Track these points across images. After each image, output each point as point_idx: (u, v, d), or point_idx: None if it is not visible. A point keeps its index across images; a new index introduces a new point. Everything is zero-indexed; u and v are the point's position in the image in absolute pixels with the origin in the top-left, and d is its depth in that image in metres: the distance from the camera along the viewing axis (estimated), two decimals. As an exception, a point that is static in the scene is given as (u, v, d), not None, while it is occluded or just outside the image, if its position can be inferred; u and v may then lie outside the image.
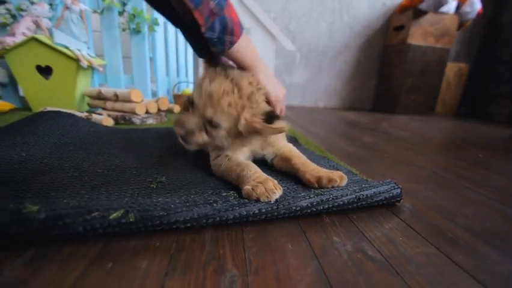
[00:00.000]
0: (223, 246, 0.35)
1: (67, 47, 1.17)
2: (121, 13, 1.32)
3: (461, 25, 2.19)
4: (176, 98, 1.38)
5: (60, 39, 1.15)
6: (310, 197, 0.44)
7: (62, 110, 0.86)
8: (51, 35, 1.18)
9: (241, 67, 0.47)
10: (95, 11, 1.31)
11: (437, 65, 2.20)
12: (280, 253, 0.34)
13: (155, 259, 0.32)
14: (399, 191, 0.49)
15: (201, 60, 1.89)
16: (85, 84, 1.29)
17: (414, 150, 0.98)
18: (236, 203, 0.40)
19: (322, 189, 0.47)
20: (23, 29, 1.17)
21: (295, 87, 2.41)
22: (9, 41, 1.13)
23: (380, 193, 0.48)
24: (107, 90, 1.17)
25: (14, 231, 0.31)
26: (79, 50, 1.18)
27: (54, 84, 1.20)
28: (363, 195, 0.47)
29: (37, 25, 1.21)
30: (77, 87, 1.22)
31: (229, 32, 0.39)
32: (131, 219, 0.34)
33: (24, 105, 1.29)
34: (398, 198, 0.49)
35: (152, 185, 0.47)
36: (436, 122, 1.93)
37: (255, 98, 0.47)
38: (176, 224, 0.36)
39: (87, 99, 1.28)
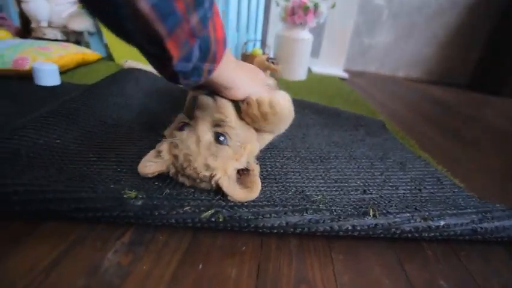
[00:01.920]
0: (311, 264, 0.32)
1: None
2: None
3: None
4: (245, 58, 1.31)
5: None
6: (415, 221, 0.36)
7: (141, 67, 0.88)
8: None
9: (215, 89, 0.37)
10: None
11: None
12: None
13: (244, 267, 0.30)
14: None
15: (274, 16, 1.71)
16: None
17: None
18: (328, 214, 0.35)
19: (430, 212, 0.38)
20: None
21: (373, 51, 2.08)
22: (96, -11, 1.16)
23: (504, 228, 0.38)
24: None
25: (116, 214, 0.32)
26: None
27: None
28: (481, 227, 0.37)
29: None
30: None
31: (210, 58, 0.28)
32: (220, 219, 0.33)
33: (108, 53, 1.39)
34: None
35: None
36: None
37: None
38: (263, 228, 0.34)
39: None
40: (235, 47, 1.48)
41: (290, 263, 0.32)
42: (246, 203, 0.35)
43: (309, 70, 1.69)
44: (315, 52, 1.72)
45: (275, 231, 0.34)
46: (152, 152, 0.39)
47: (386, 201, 0.42)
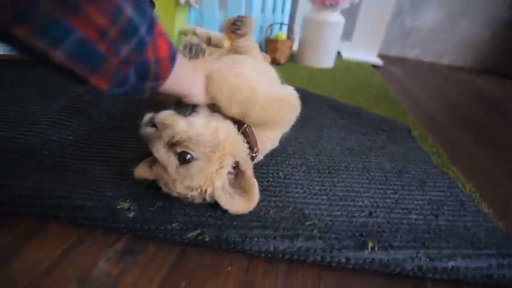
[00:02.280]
0: (296, 295, 0.31)
1: (167, -21, 1.12)
2: None
3: None
4: (269, 42, 1.24)
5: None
6: (420, 260, 0.33)
7: None
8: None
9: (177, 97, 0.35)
10: None
11: None
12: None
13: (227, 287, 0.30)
14: None
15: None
16: (182, 21, 1.28)
17: None
18: (320, 243, 0.33)
19: (439, 251, 0.34)
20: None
21: (416, 34, 1.85)
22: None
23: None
24: (201, 32, 1.12)
25: (108, 225, 0.33)
26: (178, -18, 1.12)
27: (157, 18, 1.22)
28: (499, 274, 0.33)
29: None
30: (175, 24, 1.22)
31: (151, 77, 0.27)
32: (206, 239, 0.32)
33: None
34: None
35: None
36: None
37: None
38: (250, 251, 0.33)
39: (184, 37, 1.29)
40: (260, 28, 1.40)
41: (274, 289, 0.31)
42: (235, 223, 0.34)
43: (339, 55, 1.56)
44: (347, 34, 1.57)
45: (263, 255, 0.33)
46: (149, 159, 0.39)
47: (392, 229, 0.38)
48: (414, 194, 0.47)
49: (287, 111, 0.44)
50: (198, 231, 0.32)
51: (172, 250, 0.34)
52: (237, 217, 0.35)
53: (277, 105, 0.41)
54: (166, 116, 0.35)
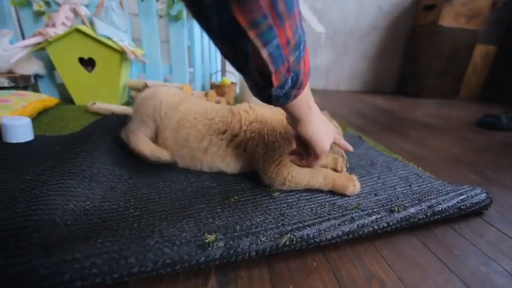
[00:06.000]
0: (370, 263, 0.40)
1: (109, 38, 1.13)
2: (157, -2, 1.26)
3: (493, 4, 2.10)
4: (218, 87, 1.36)
5: (103, 30, 1.11)
6: (424, 209, 0.47)
7: (110, 108, 0.86)
8: (91, 24, 1.14)
9: (291, 117, 0.41)
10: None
11: (466, 47, 2.15)
12: (421, 269, 0.39)
13: (324, 279, 0.36)
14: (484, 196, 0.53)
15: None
16: (125, 76, 1.27)
17: (464, 147, 1.01)
18: (371, 218, 0.44)
19: (430, 201, 0.50)
20: (62, 19, 1.13)
21: (318, 70, 2.37)
22: (51, 32, 1.09)
23: (477, 203, 0.52)
24: (154, 84, 1.16)
25: (202, 261, 0.34)
26: (122, 41, 1.15)
27: (97, 77, 1.18)
28: (464, 205, 0.51)
29: (75, 13, 1.16)
30: (120, 79, 1.20)
31: (298, 86, 0.34)
32: (294, 242, 0.38)
33: (61, 94, 1.28)
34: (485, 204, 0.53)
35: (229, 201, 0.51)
36: (461, 105, 1.94)
37: None
38: (325, 241, 0.40)
39: (129, 91, 1.27)
40: (203, 77, 1.53)
41: (355, 266, 0.39)
42: (305, 223, 0.41)
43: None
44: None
45: (333, 241, 0.41)
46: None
47: (395, 198, 0.52)
48: (389, 176, 0.65)
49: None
50: (288, 236, 0.38)
51: (260, 267, 0.37)
52: (303, 218, 0.42)
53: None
54: None
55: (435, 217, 0.48)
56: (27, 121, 0.75)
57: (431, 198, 0.51)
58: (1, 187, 0.51)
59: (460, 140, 1.08)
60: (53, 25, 1.12)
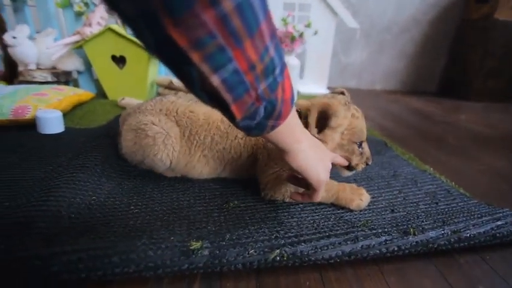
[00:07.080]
0: (371, 289, 0.35)
1: (139, 37, 1.18)
2: None
3: None
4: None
5: (133, 28, 1.16)
6: (447, 234, 0.41)
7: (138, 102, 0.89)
8: (122, 23, 1.20)
9: (277, 148, 0.36)
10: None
11: (527, 44, 1.85)
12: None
13: (315, 302, 0.33)
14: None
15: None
16: (154, 73, 1.33)
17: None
18: (377, 239, 0.39)
19: (456, 225, 0.43)
20: (97, 19, 1.21)
21: (351, 68, 2.24)
22: (87, 31, 1.17)
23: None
24: (178, 81, 1.19)
25: (185, 268, 0.33)
26: (150, 39, 1.20)
27: (127, 73, 1.24)
28: (499, 233, 0.43)
29: (110, 13, 1.23)
30: (148, 76, 1.26)
31: (275, 116, 0.29)
32: (285, 258, 0.35)
33: (98, 89, 1.38)
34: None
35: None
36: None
37: None
38: (321, 260, 0.37)
39: (157, 88, 1.32)
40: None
41: (353, 291, 0.35)
42: (301, 238, 0.38)
43: (296, 91, 1.78)
44: (300, 74, 1.82)
45: (332, 261, 0.37)
46: None
47: (414, 218, 0.46)
48: (413, 190, 0.58)
49: None
50: (278, 251, 0.35)
51: (248, 280, 0.35)
52: (301, 232, 0.39)
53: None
54: None
55: (461, 244, 0.41)
56: (59, 114, 0.81)
57: (458, 221, 0.44)
58: (26, 174, 0.56)
59: (508, 152, 0.93)
60: (89, 25, 1.20)
